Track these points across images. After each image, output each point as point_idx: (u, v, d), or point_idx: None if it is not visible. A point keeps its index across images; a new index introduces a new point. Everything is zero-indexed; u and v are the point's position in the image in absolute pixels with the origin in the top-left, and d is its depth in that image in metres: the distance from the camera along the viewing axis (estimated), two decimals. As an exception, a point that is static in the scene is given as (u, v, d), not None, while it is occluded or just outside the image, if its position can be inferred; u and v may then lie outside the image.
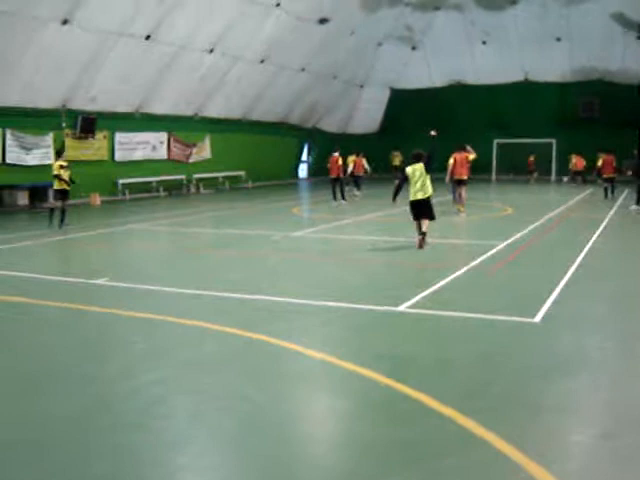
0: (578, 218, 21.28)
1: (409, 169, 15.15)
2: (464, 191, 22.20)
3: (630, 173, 26.45)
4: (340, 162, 26.33)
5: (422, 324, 8.87)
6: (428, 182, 15.05)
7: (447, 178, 22.63)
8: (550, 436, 5.47)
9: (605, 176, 26.36)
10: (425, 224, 14.97)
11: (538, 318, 8.84)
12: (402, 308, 9.42)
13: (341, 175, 26.18)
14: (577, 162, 36.71)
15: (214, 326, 8.62)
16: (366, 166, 31.27)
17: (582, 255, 13.80)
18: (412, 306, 9.53)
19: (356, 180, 30.00)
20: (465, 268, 12.34)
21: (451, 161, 22.31)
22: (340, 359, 7.22)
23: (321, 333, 8.66)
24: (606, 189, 26.61)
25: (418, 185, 14.98)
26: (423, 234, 14.86)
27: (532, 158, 40.88)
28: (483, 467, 4.94)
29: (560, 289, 10.56)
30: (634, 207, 22.43)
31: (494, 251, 14.35)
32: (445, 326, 8.71)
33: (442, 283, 11.08)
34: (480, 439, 5.27)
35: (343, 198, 26.02)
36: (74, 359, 7.58)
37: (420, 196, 14.99)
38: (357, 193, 29.63)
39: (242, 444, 5.36)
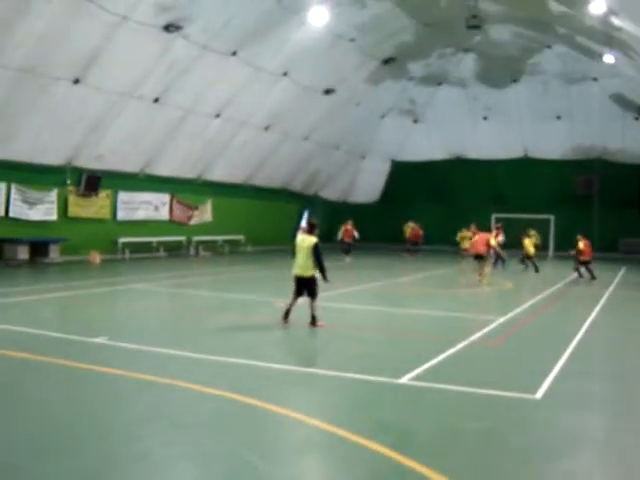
0: (576, 294, 21.34)
1: (299, 239, 14.03)
2: (487, 265, 24.42)
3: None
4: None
5: (424, 397, 8.83)
6: (310, 263, 13.56)
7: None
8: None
9: (584, 259, 25.49)
10: (312, 305, 13.63)
11: (539, 395, 8.81)
12: (404, 380, 9.39)
13: None
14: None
15: (215, 391, 8.58)
16: (355, 233, 31.66)
17: (582, 331, 13.81)
18: (413, 378, 9.50)
19: (346, 247, 30.47)
20: (465, 342, 12.32)
21: (476, 237, 25.13)
22: (343, 429, 7.17)
23: (323, 402, 8.63)
24: (579, 271, 25.86)
25: (300, 260, 13.68)
26: (313, 317, 13.56)
27: (410, 226, 39.98)
28: None
29: (560, 365, 10.55)
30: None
31: (494, 325, 14.35)
32: (447, 400, 8.67)
33: (443, 356, 11.06)
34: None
35: None
36: (76, 419, 7.52)
37: (300, 273, 13.71)
38: (347, 260, 29.97)
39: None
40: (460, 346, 11.96)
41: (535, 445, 7.07)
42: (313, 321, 13.63)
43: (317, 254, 13.58)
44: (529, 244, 28.87)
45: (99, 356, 10.54)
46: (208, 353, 10.86)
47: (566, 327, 14.84)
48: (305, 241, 13.76)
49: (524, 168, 43.90)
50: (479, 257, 23.66)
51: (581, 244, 25.43)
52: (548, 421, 7.91)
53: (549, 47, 36.98)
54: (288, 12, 28.24)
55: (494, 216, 42.10)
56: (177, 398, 8.41)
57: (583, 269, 25.67)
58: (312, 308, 13.66)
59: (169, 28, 25.34)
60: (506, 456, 6.73)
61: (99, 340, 11.60)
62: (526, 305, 17.88)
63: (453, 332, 13.84)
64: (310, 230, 14.07)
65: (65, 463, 6.15)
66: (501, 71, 40.15)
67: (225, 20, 26.73)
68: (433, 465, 6.18)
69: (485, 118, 43.68)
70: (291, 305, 13.92)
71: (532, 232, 32.00)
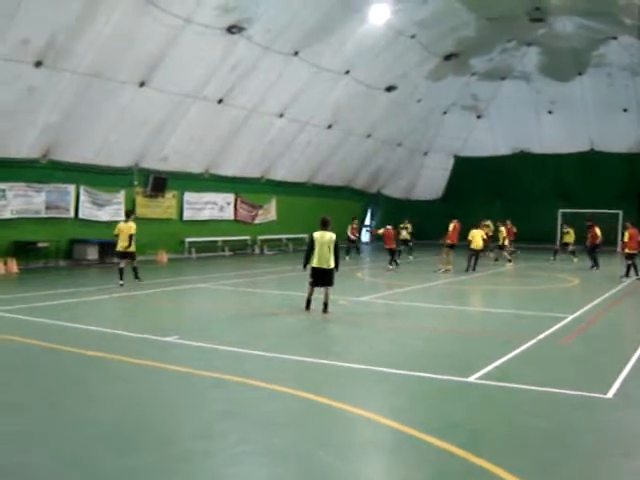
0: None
1: (317, 234, 14.96)
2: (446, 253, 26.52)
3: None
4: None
5: (493, 396, 8.79)
6: (331, 255, 14.91)
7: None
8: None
9: (628, 252, 23.61)
10: (327, 293, 14.96)
11: (610, 394, 8.70)
12: (472, 379, 9.37)
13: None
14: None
15: (285, 388, 8.70)
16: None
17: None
18: (482, 377, 9.48)
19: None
20: (534, 340, 12.22)
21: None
22: (412, 427, 7.21)
23: (391, 400, 8.66)
24: (629, 267, 23.67)
25: (323, 254, 14.87)
26: (325, 304, 14.92)
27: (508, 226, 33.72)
28: None
29: (632, 364, 10.38)
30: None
31: (563, 323, 14.18)
32: (516, 399, 8.62)
33: (511, 355, 10.99)
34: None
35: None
36: (151, 417, 7.72)
37: (325, 265, 14.90)
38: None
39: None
40: (529, 344, 11.86)
41: (607, 444, 6.99)
42: (325, 307, 14.92)
43: (337, 247, 15.07)
44: (477, 236, 26.02)
45: (171, 354, 10.78)
46: (277, 351, 11.00)
47: (637, 325, 14.56)
48: (325, 236, 14.98)
49: (590, 162, 42.95)
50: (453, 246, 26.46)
51: (626, 235, 23.82)
52: (620, 421, 7.81)
53: (615, 38, 36.15)
54: (349, 10, 28.29)
55: (560, 211, 41.45)
56: (248, 396, 8.54)
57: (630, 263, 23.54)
58: (327, 296, 14.96)
59: (232, 30, 25.63)
60: (577, 455, 6.67)
61: (170, 339, 11.85)
62: (595, 302, 17.59)
63: (521, 330, 13.73)
64: (325, 226, 15.10)
65: (140, 459, 6.33)
66: (565, 64, 39.38)
67: (287, 21, 26.91)
68: (503, 464, 6.17)
69: (550, 112, 42.97)
70: (311, 295, 15.21)
71: (487, 222, 31.09)
